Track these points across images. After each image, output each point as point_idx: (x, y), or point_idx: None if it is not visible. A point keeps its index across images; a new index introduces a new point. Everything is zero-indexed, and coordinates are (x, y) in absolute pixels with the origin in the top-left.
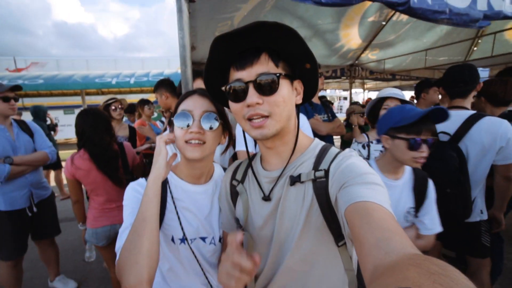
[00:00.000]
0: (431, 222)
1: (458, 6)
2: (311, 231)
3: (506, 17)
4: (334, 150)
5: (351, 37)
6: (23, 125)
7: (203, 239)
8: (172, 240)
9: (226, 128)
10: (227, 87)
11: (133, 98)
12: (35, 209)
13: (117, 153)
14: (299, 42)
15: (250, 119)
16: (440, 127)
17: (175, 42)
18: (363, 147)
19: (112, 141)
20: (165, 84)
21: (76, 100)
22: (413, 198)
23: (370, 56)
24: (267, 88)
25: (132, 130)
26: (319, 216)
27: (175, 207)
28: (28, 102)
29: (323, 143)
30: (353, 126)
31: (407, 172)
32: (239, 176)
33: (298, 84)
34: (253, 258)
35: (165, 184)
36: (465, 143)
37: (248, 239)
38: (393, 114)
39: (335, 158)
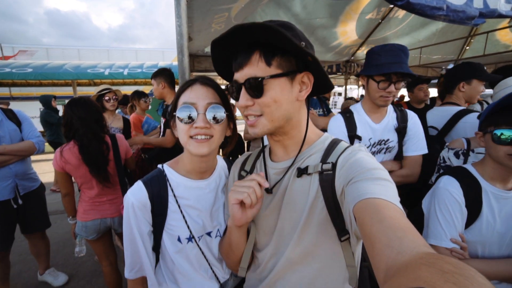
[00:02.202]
0: None
1: (455, 3)
2: (313, 224)
3: (501, 16)
4: (343, 144)
5: (348, 35)
6: (9, 114)
7: (209, 233)
8: (179, 240)
9: (231, 119)
10: (228, 86)
11: (126, 90)
12: (20, 201)
13: (107, 146)
14: (283, 38)
15: (247, 117)
16: (429, 122)
17: (171, 34)
18: (456, 155)
19: (103, 134)
20: (165, 74)
21: (67, 90)
22: None
23: (365, 52)
24: (254, 91)
25: (126, 121)
26: (323, 209)
27: (179, 206)
28: (16, 91)
29: (332, 137)
30: None
31: None
32: (247, 167)
33: (305, 77)
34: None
35: (165, 182)
36: (451, 136)
37: (251, 228)
38: (489, 107)
39: (343, 152)
